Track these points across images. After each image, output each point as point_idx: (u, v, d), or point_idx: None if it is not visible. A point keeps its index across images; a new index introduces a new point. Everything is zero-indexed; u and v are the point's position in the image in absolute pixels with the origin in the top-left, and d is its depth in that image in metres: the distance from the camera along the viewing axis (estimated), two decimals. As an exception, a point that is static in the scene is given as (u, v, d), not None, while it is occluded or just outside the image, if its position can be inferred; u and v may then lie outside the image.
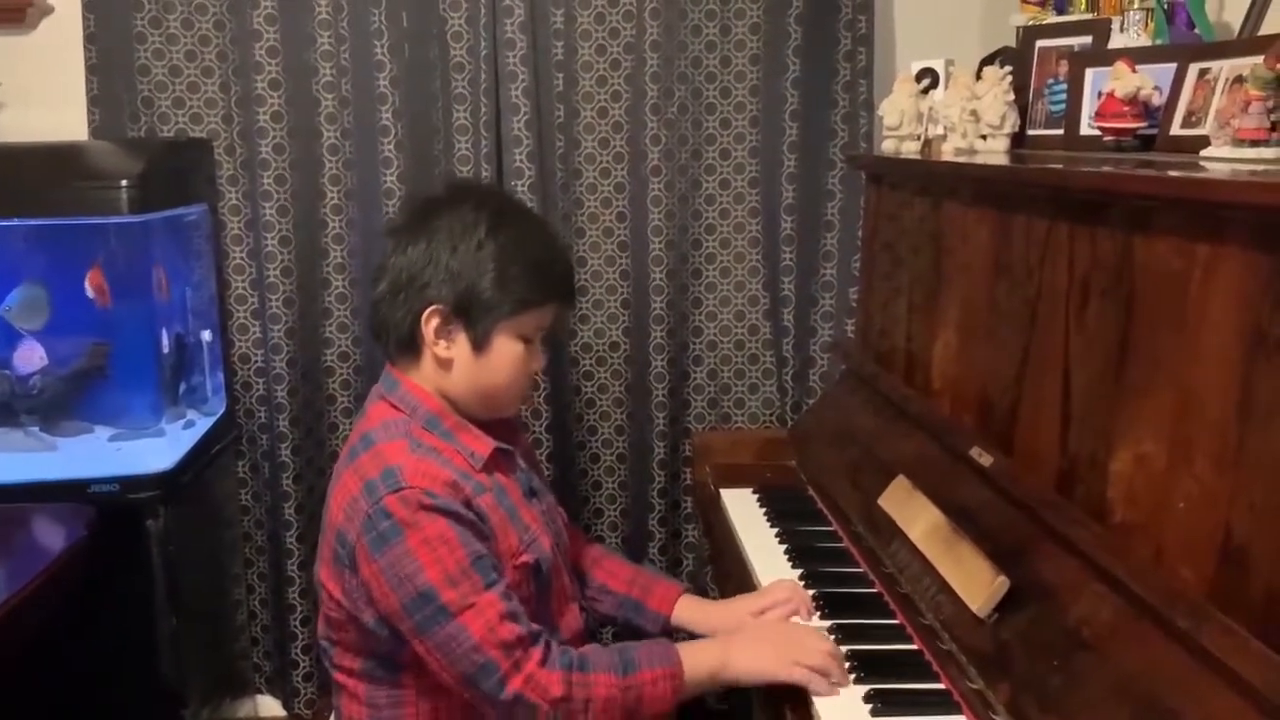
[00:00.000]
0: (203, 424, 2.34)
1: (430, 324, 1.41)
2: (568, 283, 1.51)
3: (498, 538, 1.39)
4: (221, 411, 2.43)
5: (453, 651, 1.30)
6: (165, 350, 2.21)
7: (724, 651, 1.42)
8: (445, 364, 1.43)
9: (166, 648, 2.14)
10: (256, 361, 2.48)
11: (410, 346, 1.44)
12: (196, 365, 2.39)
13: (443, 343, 1.42)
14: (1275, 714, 0.91)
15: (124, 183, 2.03)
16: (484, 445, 1.44)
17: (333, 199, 2.41)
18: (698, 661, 1.39)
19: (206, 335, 2.39)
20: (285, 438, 2.43)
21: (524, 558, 1.42)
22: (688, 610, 1.62)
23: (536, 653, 1.32)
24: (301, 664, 2.52)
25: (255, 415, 2.50)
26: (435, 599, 1.29)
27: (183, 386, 2.33)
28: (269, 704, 2.62)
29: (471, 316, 1.41)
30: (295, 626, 2.50)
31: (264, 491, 2.53)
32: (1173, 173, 1.21)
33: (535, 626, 1.35)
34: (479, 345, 1.42)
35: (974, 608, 1.33)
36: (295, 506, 2.46)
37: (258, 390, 2.49)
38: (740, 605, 1.58)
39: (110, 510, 2.00)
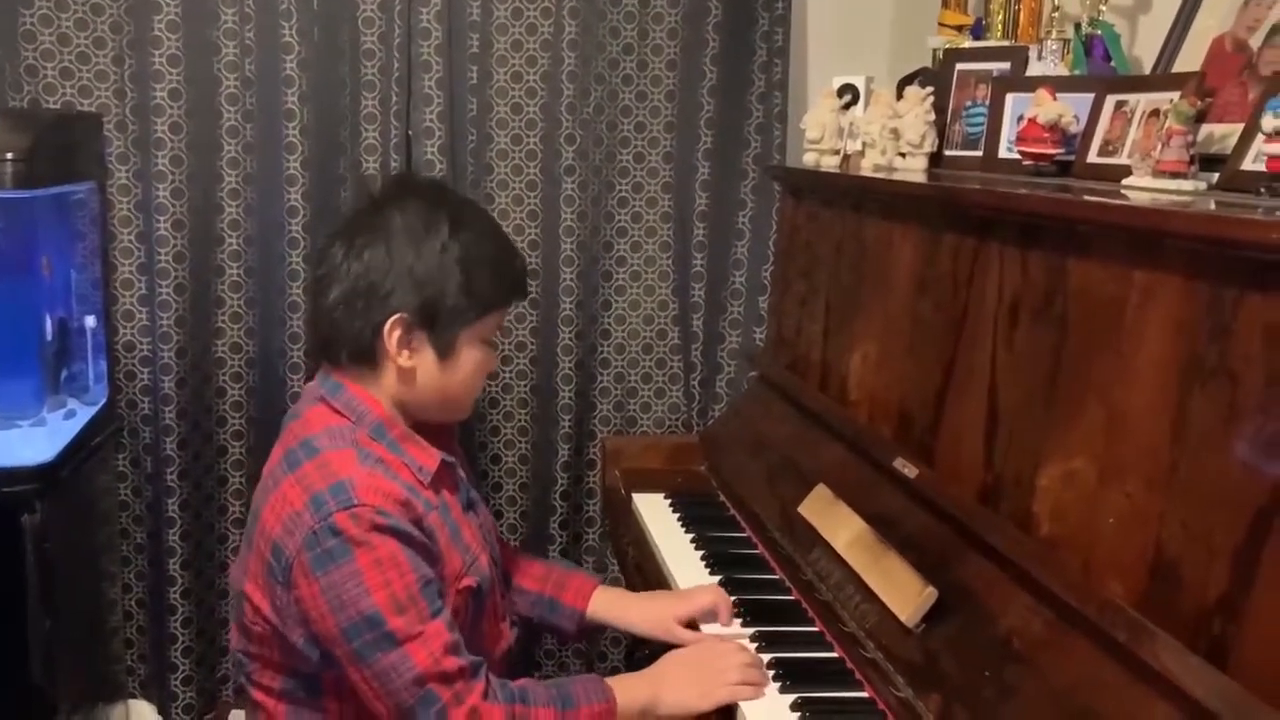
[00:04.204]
0: (84, 414, 2.21)
1: (393, 335, 1.35)
2: (525, 278, 1.48)
3: (444, 560, 1.35)
4: (103, 402, 2.30)
5: (392, 682, 1.25)
6: (48, 336, 2.08)
7: (654, 687, 1.39)
8: (408, 374, 1.37)
9: (38, 650, 2.01)
10: (142, 350, 2.36)
11: (368, 358, 1.37)
12: (79, 352, 2.25)
13: (405, 353, 1.36)
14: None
15: (9, 155, 1.90)
16: (431, 459, 1.39)
17: (230, 183, 2.31)
18: (630, 698, 1.37)
19: (90, 321, 2.26)
20: (170, 431, 2.32)
21: (466, 581, 1.39)
22: (604, 604, 1.60)
23: (479, 686, 1.29)
24: (181, 667, 2.40)
25: (138, 406, 2.38)
26: (380, 625, 1.24)
27: (64, 374, 2.19)
28: (143, 709, 2.49)
29: (437, 325, 1.36)
30: (175, 628, 2.38)
31: (145, 487, 2.40)
32: (1114, 201, 1.25)
33: (476, 658, 1.32)
34: (444, 353, 1.37)
35: (902, 618, 1.35)
36: (179, 503, 2.34)
37: (142, 380, 2.37)
38: (662, 607, 1.56)
39: (-19, 504, 1.87)
